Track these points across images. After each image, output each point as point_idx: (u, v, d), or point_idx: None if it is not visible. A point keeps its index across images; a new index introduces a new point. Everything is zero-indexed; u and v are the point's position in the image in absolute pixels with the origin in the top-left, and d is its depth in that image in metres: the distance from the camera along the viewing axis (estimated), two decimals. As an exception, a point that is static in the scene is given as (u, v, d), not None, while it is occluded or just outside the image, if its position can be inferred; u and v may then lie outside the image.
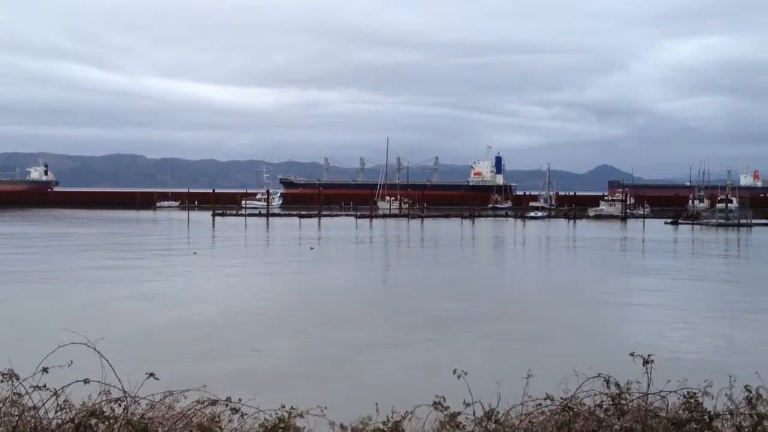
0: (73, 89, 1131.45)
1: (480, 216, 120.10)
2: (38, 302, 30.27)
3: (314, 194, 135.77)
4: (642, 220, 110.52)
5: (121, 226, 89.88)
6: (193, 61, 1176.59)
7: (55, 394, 5.37)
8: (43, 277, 38.45)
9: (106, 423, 5.21)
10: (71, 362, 5.93)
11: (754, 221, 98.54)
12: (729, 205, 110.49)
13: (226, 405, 5.49)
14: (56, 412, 5.35)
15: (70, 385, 5.47)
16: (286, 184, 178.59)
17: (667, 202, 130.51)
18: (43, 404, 5.37)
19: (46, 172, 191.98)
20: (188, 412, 5.53)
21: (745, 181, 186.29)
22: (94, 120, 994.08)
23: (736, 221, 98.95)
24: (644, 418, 5.41)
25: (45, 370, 5.54)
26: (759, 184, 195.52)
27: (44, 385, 5.39)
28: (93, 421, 5.18)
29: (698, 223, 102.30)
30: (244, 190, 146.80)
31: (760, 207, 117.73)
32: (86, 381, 5.52)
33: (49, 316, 25.82)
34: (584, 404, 5.57)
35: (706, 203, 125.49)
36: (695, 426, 5.25)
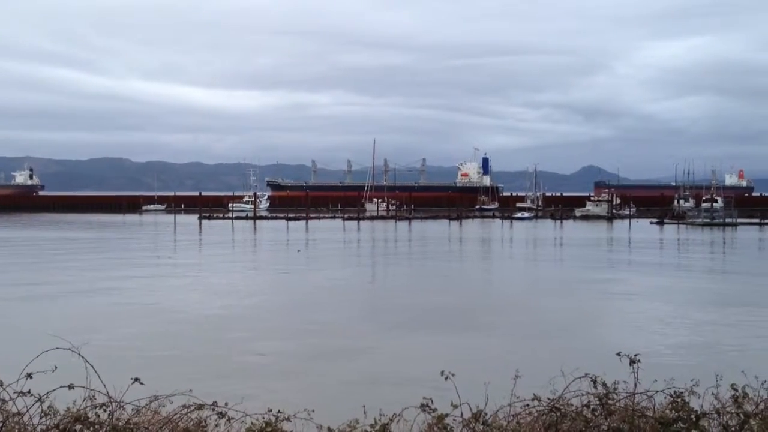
0: (58, 93, 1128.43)
1: (467, 217, 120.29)
2: (22, 308, 30.04)
3: (301, 197, 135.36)
4: (628, 220, 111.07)
5: (107, 231, 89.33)
6: (178, 63, 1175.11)
7: (40, 399, 5.31)
8: (26, 283, 38.13)
9: (92, 428, 5.17)
10: (55, 368, 5.87)
11: (739, 220, 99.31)
12: (714, 204, 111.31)
13: (213, 409, 5.46)
14: (41, 417, 5.29)
15: (54, 390, 5.41)
16: (274, 186, 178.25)
17: (653, 202, 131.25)
18: (28, 410, 5.31)
19: (31, 176, 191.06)
20: (174, 417, 5.49)
21: (730, 180, 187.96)
22: (80, 123, 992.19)
23: (721, 221, 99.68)
24: (631, 417, 5.42)
25: (29, 375, 5.48)
26: (744, 183, 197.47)
27: (29, 391, 5.33)
28: (78, 427, 5.14)
29: (684, 223, 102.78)
30: (231, 193, 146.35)
31: (745, 206, 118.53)
32: (71, 386, 5.47)
33: (32, 322, 25.59)
34: (571, 404, 5.58)
35: (691, 203, 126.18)
36: (682, 425, 5.26)
